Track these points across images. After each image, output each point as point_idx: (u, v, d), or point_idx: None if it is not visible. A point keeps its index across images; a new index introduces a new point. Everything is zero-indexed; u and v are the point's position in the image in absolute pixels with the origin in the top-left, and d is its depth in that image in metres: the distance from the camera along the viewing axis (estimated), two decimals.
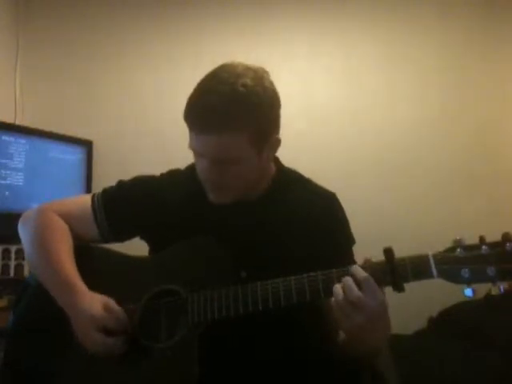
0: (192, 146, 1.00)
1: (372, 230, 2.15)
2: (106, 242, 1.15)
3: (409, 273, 0.83)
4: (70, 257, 1.06)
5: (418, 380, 1.73)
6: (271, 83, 1.00)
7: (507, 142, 2.43)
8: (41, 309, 1.08)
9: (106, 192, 1.16)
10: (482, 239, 0.82)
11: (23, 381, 1.04)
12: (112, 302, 0.98)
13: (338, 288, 0.84)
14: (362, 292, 0.82)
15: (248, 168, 1.00)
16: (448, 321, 2.02)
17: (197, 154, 1.00)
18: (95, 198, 1.14)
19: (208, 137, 0.94)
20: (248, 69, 0.97)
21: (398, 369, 1.69)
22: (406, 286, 0.84)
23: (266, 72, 1.00)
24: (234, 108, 0.92)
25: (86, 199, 1.15)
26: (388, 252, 0.86)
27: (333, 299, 0.85)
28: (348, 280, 0.84)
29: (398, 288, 0.84)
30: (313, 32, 2.53)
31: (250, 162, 0.99)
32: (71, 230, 1.11)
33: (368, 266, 0.86)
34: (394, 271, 0.84)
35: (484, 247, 0.81)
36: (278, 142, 1.04)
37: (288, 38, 2.53)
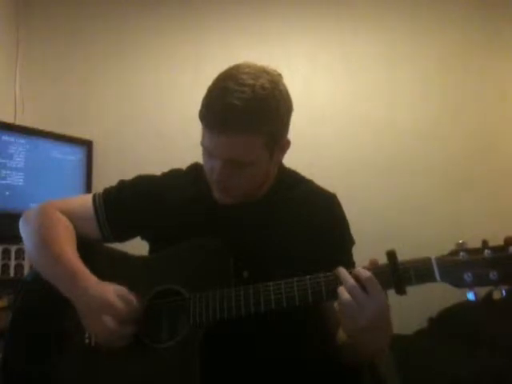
0: (205, 145, 0.99)
1: (371, 230, 2.16)
2: (108, 241, 1.15)
3: (412, 276, 0.83)
4: (73, 248, 1.06)
5: (419, 380, 1.73)
6: (285, 86, 1.00)
7: (507, 142, 2.44)
8: (38, 307, 1.08)
9: (107, 192, 1.16)
10: (484, 243, 0.82)
11: (23, 380, 1.03)
12: (124, 289, 0.96)
13: (342, 289, 0.84)
14: (365, 293, 0.82)
15: (259, 170, 1.00)
16: (448, 321, 2.02)
17: (209, 153, 0.99)
18: (96, 198, 1.14)
19: (224, 138, 0.93)
20: (264, 71, 0.97)
21: (398, 368, 1.69)
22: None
23: (280, 75, 1.00)
24: (255, 111, 0.92)
25: (88, 199, 1.15)
26: (391, 255, 0.86)
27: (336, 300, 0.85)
28: (352, 282, 0.84)
29: (401, 291, 0.84)
30: (313, 32, 2.53)
31: (262, 164, 1.00)
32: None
33: (371, 268, 0.86)
34: (397, 274, 0.84)
35: (487, 251, 0.81)
36: (288, 145, 1.05)
37: (288, 38, 2.53)
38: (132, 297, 0.95)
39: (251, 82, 0.93)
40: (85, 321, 0.97)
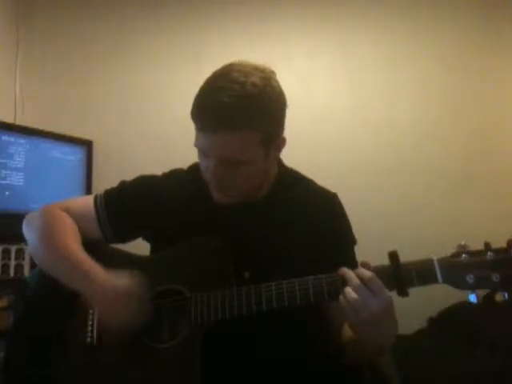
0: (198, 145, 0.99)
1: (371, 230, 2.16)
2: (109, 242, 1.14)
3: (414, 278, 0.84)
4: (79, 243, 1.06)
5: (419, 380, 1.73)
6: (278, 83, 0.99)
7: (507, 142, 2.44)
8: (40, 308, 1.07)
9: (108, 193, 1.16)
10: (487, 245, 0.82)
11: (25, 381, 1.03)
12: (133, 271, 0.97)
13: (348, 289, 0.85)
14: (370, 292, 0.83)
15: (254, 168, 1.00)
16: (448, 321, 2.02)
17: (203, 153, 0.99)
18: (97, 199, 1.14)
19: (217, 136, 0.93)
20: (256, 69, 0.96)
21: (398, 368, 1.69)
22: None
23: (272, 72, 1.00)
24: (246, 108, 0.92)
25: (89, 200, 1.15)
26: (393, 256, 0.86)
27: (341, 298, 0.85)
28: (357, 282, 0.84)
29: (403, 293, 0.84)
30: (313, 32, 2.53)
31: (257, 162, 0.99)
32: None
33: (373, 269, 0.86)
34: (399, 276, 0.84)
35: (489, 253, 0.81)
36: (283, 143, 1.04)
37: (288, 38, 2.53)
38: (142, 276, 0.96)
39: (242, 79, 0.92)
40: (102, 310, 0.97)
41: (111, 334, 0.97)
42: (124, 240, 1.16)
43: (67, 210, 1.13)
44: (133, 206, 1.12)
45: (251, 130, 0.94)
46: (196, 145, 0.99)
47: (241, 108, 0.91)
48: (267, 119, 0.96)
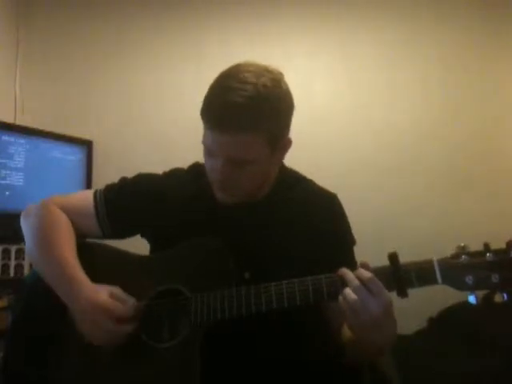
0: (206, 143, 0.99)
1: (371, 230, 2.16)
2: (107, 238, 1.14)
3: (413, 278, 0.84)
4: (72, 250, 1.06)
5: (419, 380, 1.73)
6: (287, 85, 1.00)
7: (507, 142, 2.44)
8: (40, 308, 1.07)
9: (108, 188, 1.16)
10: (486, 246, 0.82)
11: (24, 382, 1.03)
12: (117, 289, 0.97)
13: (348, 290, 0.84)
14: (370, 293, 0.83)
15: (259, 168, 1.00)
16: (448, 321, 2.02)
17: (210, 152, 0.99)
18: (97, 194, 1.14)
19: (225, 136, 0.93)
20: (265, 70, 0.97)
21: (398, 368, 1.69)
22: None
23: (281, 73, 1.00)
24: (256, 109, 0.92)
25: (88, 195, 1.15)
26: (392, 257, 0.86)
27: (340, 299, 0.85)
28: (357, 283, 0.84)
29: (402, 294, 0.84)
30: (313, 32, 2.53)
31: (262, 162, 0.99)
32: (72, 224, 1.11)
33: (372, 270, 0.86)
34: (399, 276, 0.84)
35: (488, 254, 0.81)
36: (289, 144, 1.04)
37: (288, 38, 2.53)
38: (126, 296, 0.96)
39: (253, 80, 0.93)
40: (81, 325, 0.97)
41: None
42: (122, 236, 1.16)
43: (66, 205, 1.13)
44: (133, 204, 1.12)
45: (259, 130, 0.94)
46: (204, 142, 0.99)
47: (250, 109, 0.92)
48: (275, 120, 0.96)
